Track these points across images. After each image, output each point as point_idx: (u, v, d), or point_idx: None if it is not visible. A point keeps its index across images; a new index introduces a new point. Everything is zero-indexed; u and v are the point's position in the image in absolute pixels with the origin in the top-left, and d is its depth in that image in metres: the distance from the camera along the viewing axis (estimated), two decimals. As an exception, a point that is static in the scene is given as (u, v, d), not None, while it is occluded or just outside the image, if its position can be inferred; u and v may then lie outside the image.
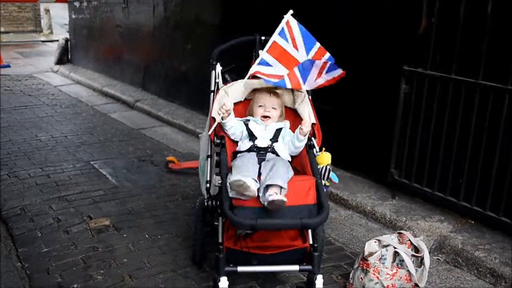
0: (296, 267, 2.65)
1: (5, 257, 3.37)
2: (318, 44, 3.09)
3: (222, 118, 2.91)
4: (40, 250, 3.43)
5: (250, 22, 5.57)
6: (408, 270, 2.85)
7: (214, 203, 2.73)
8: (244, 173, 2.51)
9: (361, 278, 2.90)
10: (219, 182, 2.64)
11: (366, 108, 4.39)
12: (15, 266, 3.27)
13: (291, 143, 2.92)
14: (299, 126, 2.85)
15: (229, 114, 2.92)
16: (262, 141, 2.90)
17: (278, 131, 2.98)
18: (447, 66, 3.58)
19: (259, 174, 2.62)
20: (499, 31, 3.29)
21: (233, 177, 2.47)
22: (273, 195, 2.42)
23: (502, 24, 3.27)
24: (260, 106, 3.06)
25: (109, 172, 4.90)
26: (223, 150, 2.85)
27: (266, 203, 2.44)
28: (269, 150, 2.86)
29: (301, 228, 2.59)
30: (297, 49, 3.08)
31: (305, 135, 2.85)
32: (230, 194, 2.52)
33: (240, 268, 2.63)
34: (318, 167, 2.86)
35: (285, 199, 2.42)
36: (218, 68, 3.31)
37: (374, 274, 2.85)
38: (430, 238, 3.56)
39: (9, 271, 3.20)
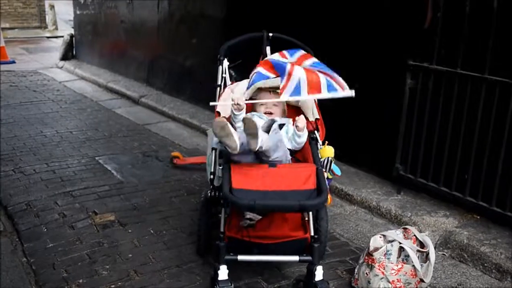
0: (296, 258, 2.67)
1: (11, 252, 3.39)
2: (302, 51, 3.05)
3: (234, 111, 2.95)
4: (45, 246, 3.44)
5: (255, 17, 5.56)
6: (413, 265, 2.85)
7: (217, 194, 2.73)
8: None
9: (366, 273, 2.89)
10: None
11: (371, 103, 4.37)
12: (21, 261, 3.28)
13: (293, 139, 2.96)
14: (294, 123, 2.89)
15: (241, 110, 2.95)
16: None
17: (280, 126, 2.99)
18: (453, 61, 3.56)
19: None
20: (506, 25, 3.26)
21: (217, 119, 2.52)
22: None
23: (508, 18, 3.25)
24: (262, 104, 3.11)
25: (114, 168, 4.91)
26: None
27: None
28: None
29: (299, 210, 2.61)
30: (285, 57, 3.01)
31: (302, 130, 2.89)
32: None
33: (240, 257, 2.65)
34: (321, 159, 2.89)
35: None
36: (225, 63, 3.33)
37: (379, 269, 2.85)
38: (436, 233, 3.55)
39: (14, 266, 3.22)
